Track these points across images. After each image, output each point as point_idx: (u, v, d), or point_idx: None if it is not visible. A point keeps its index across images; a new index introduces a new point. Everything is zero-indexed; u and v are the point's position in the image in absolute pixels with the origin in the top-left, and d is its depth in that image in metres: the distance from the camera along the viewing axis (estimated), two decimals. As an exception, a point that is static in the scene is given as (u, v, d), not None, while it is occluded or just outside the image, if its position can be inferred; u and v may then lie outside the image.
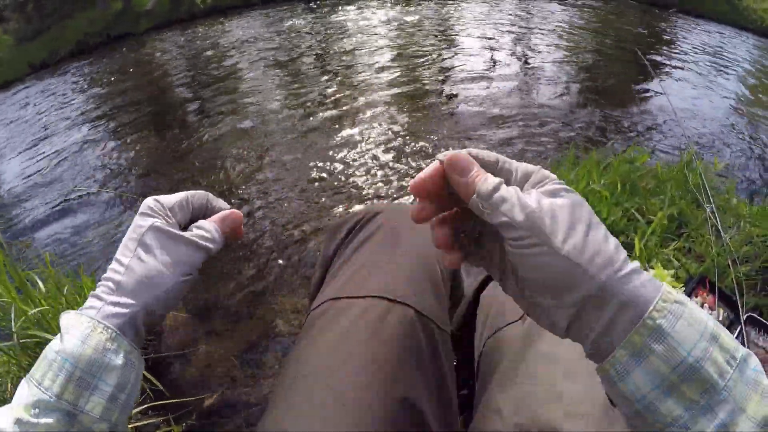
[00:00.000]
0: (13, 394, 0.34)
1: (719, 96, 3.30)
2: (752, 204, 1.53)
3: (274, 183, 1.97)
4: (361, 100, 2.92)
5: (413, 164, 2.02)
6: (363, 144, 2.27)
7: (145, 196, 0.40)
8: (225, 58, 4.72)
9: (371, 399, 0.41)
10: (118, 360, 0.33)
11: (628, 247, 1.20)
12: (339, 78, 3.50)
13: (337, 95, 3.07)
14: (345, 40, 4.78)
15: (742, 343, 0.60)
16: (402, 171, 1.97)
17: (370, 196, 1.80)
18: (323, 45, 4.73)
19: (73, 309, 0.34)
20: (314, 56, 4.29)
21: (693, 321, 0.25)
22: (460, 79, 3.22)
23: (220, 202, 0.45)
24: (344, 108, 2.83)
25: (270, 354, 1.15)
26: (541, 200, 0.27)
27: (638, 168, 1.54)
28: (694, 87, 3.43)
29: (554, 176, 0.30)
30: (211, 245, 0.40)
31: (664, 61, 4.17)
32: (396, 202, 1.76)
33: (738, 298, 0.98)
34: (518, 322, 0.55)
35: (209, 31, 6.87)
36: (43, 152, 3.09)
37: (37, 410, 0.30)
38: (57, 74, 6.46)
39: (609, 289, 0.26)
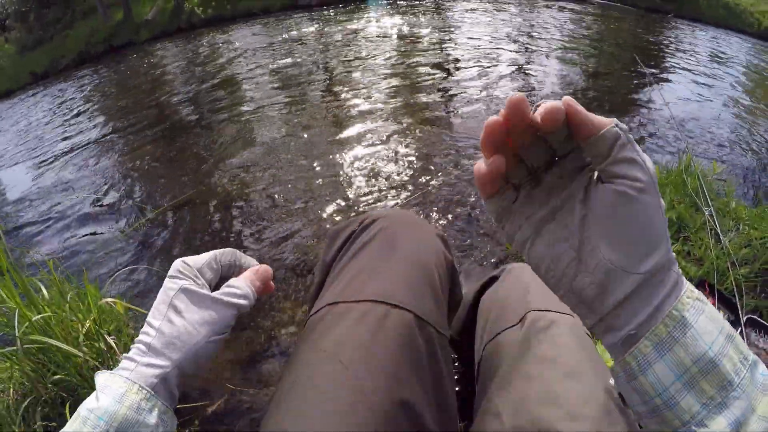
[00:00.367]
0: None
1: (717, 99, 3.32)
2: (752, 206, 1.53)
3: (274, 187, 1.98)
4: (362, 108, 2.94)
5: (411, 172, 2.03)
6: (363, 152, 2.29)
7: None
8: (225, 67, 4.76)
9: (370, 402, 0.41)
10: (152, 419, 0.34)
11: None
12: (339, 87, 3.52)
13: (337, 103, 3.10)
14: (345, 49, 4.82)
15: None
16: (400, 179, 1.98)
17: (370, 203, 1.81)
18: (323, 54, 4.77)
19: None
20: (314, 65, 4.33)
21: (713, 317, 0.26)
22: (461, 88, 3.25)
23: (249, 259, 0.47)
24: (345, 116, 2.85)
25: (272, 361, 1.15)
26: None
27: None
28: (691, 91, 3.44)
29: None
30: (244, 301, 0.41)
31: (662, 66, 4.19)
32: (394, 208, 1.77)
33: (737, 300, 0.99)
34: (516, 326, 0.55)
35: (209, 41, 6.93)
36: (46, 160, 3.12)
37: None
38: (59, 83, 6.50)
39: (670, 265, 0.26)
